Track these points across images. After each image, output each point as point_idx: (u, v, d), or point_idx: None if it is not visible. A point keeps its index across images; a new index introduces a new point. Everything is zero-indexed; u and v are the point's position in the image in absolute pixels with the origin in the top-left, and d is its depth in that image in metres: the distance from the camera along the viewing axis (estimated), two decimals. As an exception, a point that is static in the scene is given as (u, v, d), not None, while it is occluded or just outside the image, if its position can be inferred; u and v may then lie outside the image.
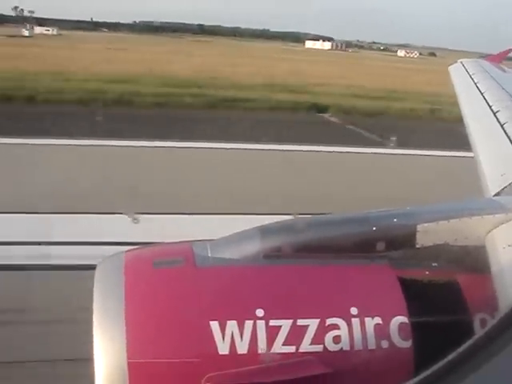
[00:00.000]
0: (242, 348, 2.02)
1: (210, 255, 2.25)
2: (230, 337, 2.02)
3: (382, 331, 2.10)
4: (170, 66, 41.10)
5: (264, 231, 2.31)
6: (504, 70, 7.84)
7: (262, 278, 2.19)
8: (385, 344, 2.10)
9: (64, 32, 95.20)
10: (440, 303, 2.22)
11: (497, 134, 4.07)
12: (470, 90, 6.20)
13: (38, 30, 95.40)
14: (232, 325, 2.03)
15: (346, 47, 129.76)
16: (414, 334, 2.11)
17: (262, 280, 2.19)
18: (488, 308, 2.15)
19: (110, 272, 2.23)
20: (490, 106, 5.02)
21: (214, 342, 2.02)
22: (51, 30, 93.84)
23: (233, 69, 41.99)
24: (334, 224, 2.41)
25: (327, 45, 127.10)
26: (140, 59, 45.35)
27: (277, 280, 2.18)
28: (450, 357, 1.19)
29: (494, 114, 4.70)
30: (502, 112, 4.61)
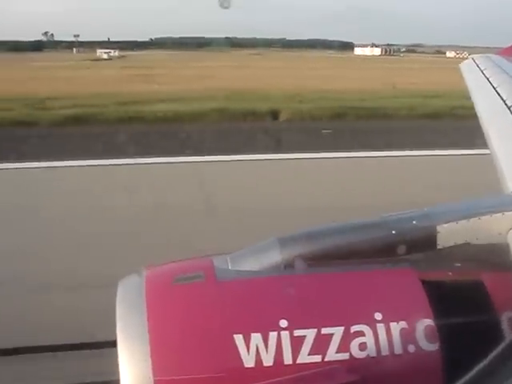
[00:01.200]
0: (268, 360, 2.01)
1: (230, 268, 2.25)
2: (254, 349, 2.01)
3: (407, 335, 2.08)
4: (331, 82, 36.32)
5: (283, 241, 2.30)
6: None
7: (283, 288, 2.19)
8: (411, 348, 2.07)
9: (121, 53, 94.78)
10: (465, 304, 2.20)
11: None
12: (482, 86, 6.16)
13: (99, 52, 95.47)
14: (256, 337, 2.03)
15: (394, 52, 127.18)
16: (441, 336, 2.09)
17: (283, 290, 2.18)
18: None
19: (131, 290, 2.23)
20: (504, 101, 4.98)
21: (239, 355, 2.01)
22: (113, 52, 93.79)
23: (363, 81, 37.57)
24: (353, 230, 2.40)
25: (377, 51, 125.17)
26: (290, 75, 42.86)
27: (299, 289, 2.17)
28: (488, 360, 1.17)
29: (509, 108, 4.66)
30: None
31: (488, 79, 6.33)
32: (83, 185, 11.89)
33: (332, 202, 10.48)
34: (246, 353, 2.00)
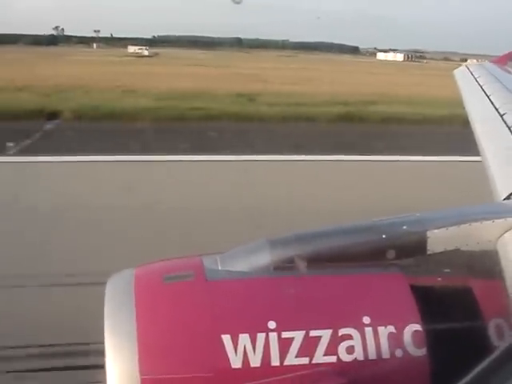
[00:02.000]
0: (255, 361, 2.01)
1: (220, 268, 2.25)
2: (242, 350, 2.01)
3: (395, 340, 2.09)
4: (408, 88, 34.42)
5: (273, 242, 2.30)
6: (510, 72, 7.82)
7: (272, 289, 2.19)
8: (399, 353, 2.08)
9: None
10: (453, 309, 2.20)
11: (505, 136, 4.05)
12: (475, 94, 6.19)
13: (131, 49, 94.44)
14: (244, 338, 2.02)
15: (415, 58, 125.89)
16: (428, 341, 2.09)
17: (273, 292, 2.18)
18: (502, 313, 2.13)
19: (120, 288, 2.22)
20: (497, 109, 5.00)
21: (227, 355, 2.01)
22: (143, 49, 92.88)
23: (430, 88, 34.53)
24: (344, 233, 2.40)
25: (400, 56, 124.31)
26: (380, 80, 41.38)
27: (288, 291, 2.17)
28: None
29: (501, 116, 4.68)
30: (509, 114, 4.59)
31: (481, 87, 6.36)
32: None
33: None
34: (234, 353, 2.00)
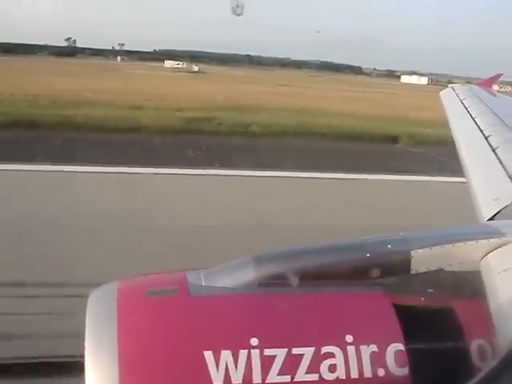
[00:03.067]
0: (237, 378, 1.99)
1: (203, 284, 2.24)
2: (224, 367, 1.99)
3: (377, 359, 2.08)
4: None
5: (258, 259, 2.30)
6: (495, 95, 7.92)
7: (256, 306, 2.18)
8: (381, 372, 2.07)
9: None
10: (436, 329, 2.20)
11: (489, 158, 4.09)
12: (461, 115, 6.25)
13: (168, 64, 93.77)
14: (226, 354, 2.01)
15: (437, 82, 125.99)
16: (411, 361, 2.09)
17: (256, 308, 2.17)
18: (484, 334, 2.14)
19: (102, 302, 2.20)
20: (482, 131, 5.06)
21: (208, 372, 1.99)
22: (181, 64, 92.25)
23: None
24: (328, 251, 2.40)
25: (424, 80, 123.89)
26: None
27: (271, 308, 2.16)
28: None
29: (486, 138, 4.73)
30: (494, 136, 4.64)
31: (467, 109, 6.43)
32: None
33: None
34: (216, 370, 1.99)
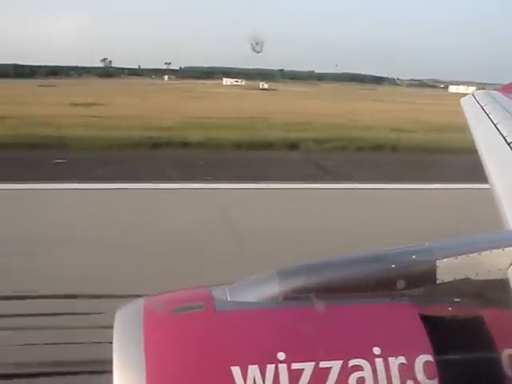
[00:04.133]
0: None
1: (229, 299, 2.24)
2: (252, 382, 1.99)
3: (406, 371, 2.06)
4: None
5: (282, 273, 2.29)
6: None
7: (282, 320, 2.17)
8: None
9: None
10: (464, 339, 2.18)
11: None
12: (482, 122, 6.20)
13: (226, 81, 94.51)
14: (254, 369, 2.00)
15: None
16: (440, 372, 2.07)
17: (282, 322, 2.17)
18: None
19: (129, 320, 2.22)
20: (504, 137, 5.01)
21: None
22: (240, 82, 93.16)
23: None
24: (353, 263, 2.39)
25: (472, 90, 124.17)
26: None
27: (297, 322, 2.16)
28: None
29: (509, 144, 4.69)
30: None
31: (488, 115, 6.37)
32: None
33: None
34: None
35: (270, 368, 2.01)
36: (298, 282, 2.26)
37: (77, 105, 39.59)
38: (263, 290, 2.25)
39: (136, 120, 30.92)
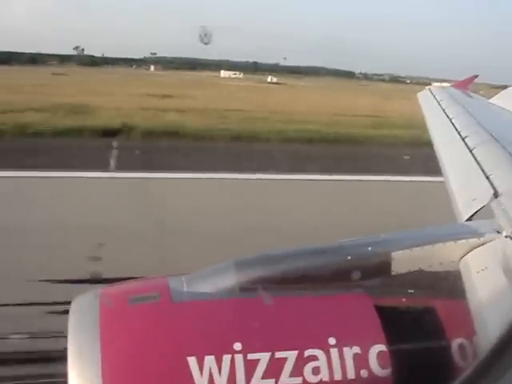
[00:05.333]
0: (221, 383, 2.00)
1: (185, 290, 2.24)
2: (208, 372, 2.00)
3: (360, 360, 2.10)
4: None
5: (239, 264, 2.30)
6: (470, 96, 8.01)
7: (238, 311, 2.18)
8: (364, 373, 2.09)
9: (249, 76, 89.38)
10: (417, 330, 2.22)
11: (466, 159, 4.13)
12: (438, 117, 6.31)
13: (224, 74, 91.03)
14: (210, 360, 2.01)
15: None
16: (393, 361, 2.11)
17: (238, 313, 2.17)
18: (465, 333, 2.16)
19: (84, 310, 2.19)
20: (459, 132, 5.11)
21: (192, 378, 1.99)
22: (238, 74, 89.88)
23: None
24: (309, 254, 2.41)
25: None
26: None
27: (254, 313, 2.17)
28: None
29: (463, 139, 4.77)
30: (471, 137, 4.69)
31: (444, 110, 6.49)
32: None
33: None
34: (199, 375, 1.99)
35: (226, 358, 2.02)
36: (255, 272, 2.27)
37: (154, 96, 38.38)
38: (220, 281, 2.25)
39: (266, 114, 30.63)
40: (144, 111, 28.96)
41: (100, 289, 2.30)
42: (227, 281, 2.24)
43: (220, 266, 2.34)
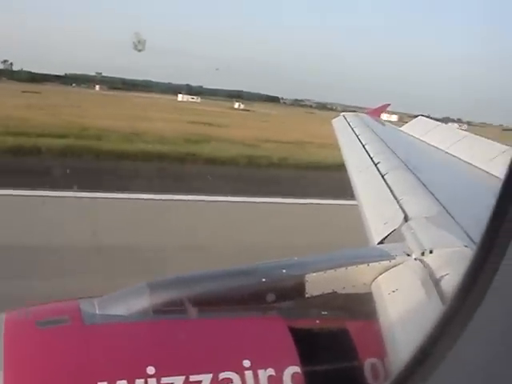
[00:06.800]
0: None
1: (97, 312, 2.18)
2: None
3: (275, 382, 2.10)
4: None
5: (152, 286, 2.26)
6: (383, 124, 8.28)
7: (152, 334, 2.14)
8: None
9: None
10: (331, 351, 2.25)
11: (378, 184, 4.26)
12: (352, 142, 6.48)
13: (182, 97, 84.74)
14: None
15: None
16: (307, 382, 2.12)
17: (152, 336, 2.13)
18: (377, 353, 2.20)
19: None
20: (371, 158, 5.26)
21: None
22: (195, 99, 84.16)
23: None
24: (224, 276, 2.41)
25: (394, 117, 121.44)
26: None
27: (167, 335, 2.13)
28: None
29: (375, 165, 4.92)
30: (383, 163, 4.84)
31: (357, 136, 6.67)
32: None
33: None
34: None
35: (139, 383, 1.97)
36: (168, 295, 2.24)
37: (195, 123, 36.35)
38: (133, 303, 2.20)
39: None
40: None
41: (5, 312, 2.20)
42: (141, 303, 2.20)
43: (133, 288, 2.30)
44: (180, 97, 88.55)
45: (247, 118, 48.94)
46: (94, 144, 22.85)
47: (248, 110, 72.43)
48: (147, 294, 2.22)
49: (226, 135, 30.80)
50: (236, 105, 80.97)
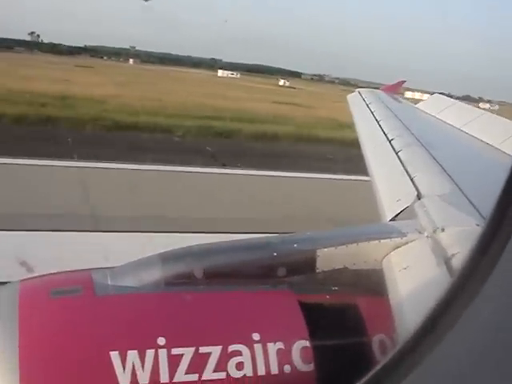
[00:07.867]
0: (144, 378, 1.97)
1: (109, 283, 2.20)
2: (130, 367, 1.97)
3: (284, 356, 2.12)
4: None
5: (165, 258, 2.28)
6: (398, 100, 8.22)
7: (163, 305, 2.16)
8: (287, 368, 2.11)
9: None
10: (340, 326, 2.26)
11: (392, 161, 4.24)
12: (366, 119, 6.44)
13: (222, 73, 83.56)
14: (133, 355, 1.98)
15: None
16: (316, 357, 2.14)
17: (163, 308, 2.15)
18: (386, 329, 2.22)
19: (2, 303, 2.12)
20: (386, 134, 5.24)
21: (115, 373, 1.96)
22: (235, 74, 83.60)
23: None
24: (236, 249, 2.42)
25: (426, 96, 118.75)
26: None
27: (178, 307, 2.15)
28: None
29: (390, 141, 4.90)
30: (397, 140, 4.82)
31: (372, 113, 6.63)
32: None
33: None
34: (122, 371, 1.96)
35: (150, 353, 2.00)
36: (180, 267, 2.26)
37: (281, 103, 37.03)
38: (145, 275, 2.22)
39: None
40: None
41: (20, 280, 2.23)
42: (152, 275, 2.22)
43: (145, 259, 2.32)
44: (220, 72, 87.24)
45: (311, 98, 48.76)
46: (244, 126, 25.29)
47: (294, 88, 71.58)
48: (159, 265, 2.24)
49: (319, 116, 31.20)
50: (281, 82, 79.82)
